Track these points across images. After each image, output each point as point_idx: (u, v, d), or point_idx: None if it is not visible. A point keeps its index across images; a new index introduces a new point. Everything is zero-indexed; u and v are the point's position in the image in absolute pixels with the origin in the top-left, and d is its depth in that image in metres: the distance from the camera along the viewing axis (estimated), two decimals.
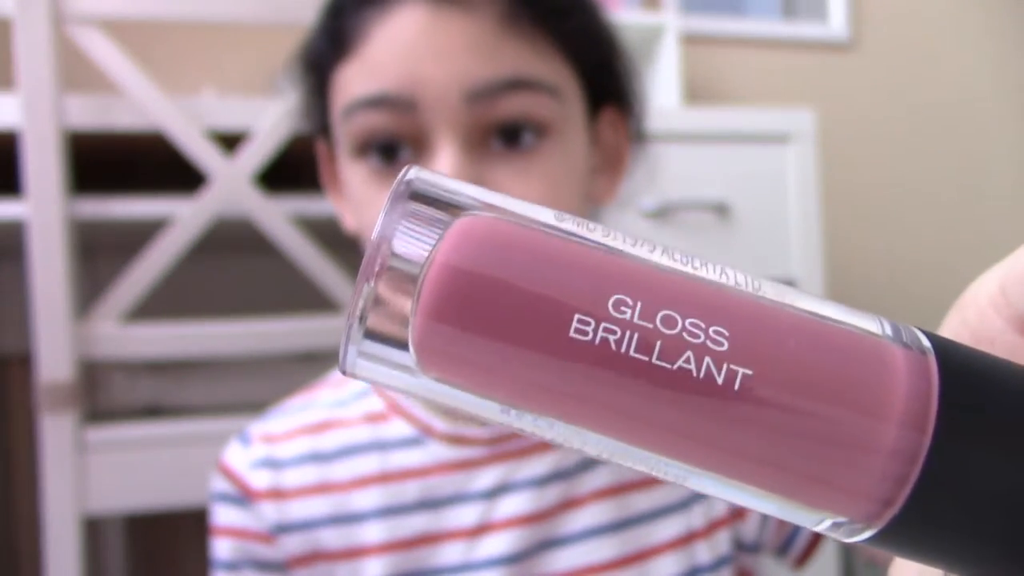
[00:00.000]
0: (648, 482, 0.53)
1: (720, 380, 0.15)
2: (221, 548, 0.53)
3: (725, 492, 0.17)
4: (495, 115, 0.47)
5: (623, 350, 0.15)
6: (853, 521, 0.16)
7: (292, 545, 0.52)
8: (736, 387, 0.15)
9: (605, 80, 0.54)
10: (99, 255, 1.05)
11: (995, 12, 1.91)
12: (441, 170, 0.46)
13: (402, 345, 0.16)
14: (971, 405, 0.16)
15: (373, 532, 0.51)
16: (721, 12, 1.74)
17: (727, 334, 0.15)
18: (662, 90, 1.48)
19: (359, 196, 0.50)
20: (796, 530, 0.55)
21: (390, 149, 0.48)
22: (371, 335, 0.16)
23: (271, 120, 0.90)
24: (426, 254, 0.16)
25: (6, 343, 1.17)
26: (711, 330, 0.15)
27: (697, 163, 1.14)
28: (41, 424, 0.84)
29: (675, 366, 0.15)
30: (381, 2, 0.48)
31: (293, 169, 0.95)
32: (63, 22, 0.85)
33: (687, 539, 0.52)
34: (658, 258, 0.17)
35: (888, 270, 1.78)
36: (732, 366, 0.15)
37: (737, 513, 0.54)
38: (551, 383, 0.16)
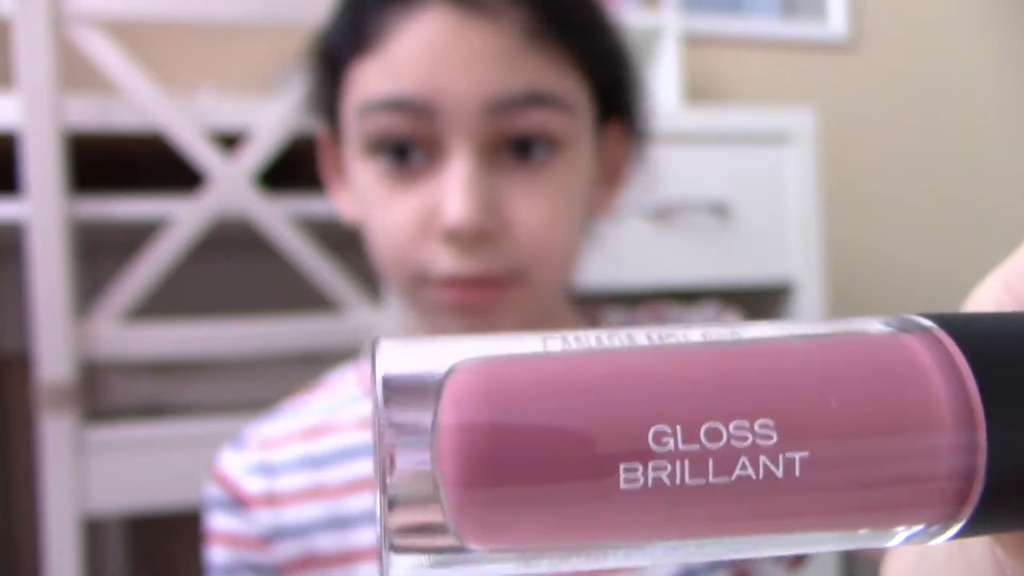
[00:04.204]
0: None
1: (780, 473, 0.15)
2: (216, 554, 0.53)
3: (800, 547, 0.16)
4: (511, 128, 0.47)
5: (678, 482, 0.14)
6: (930, 526, 0.16)
7: (287, 550, 0.51)
8: (797, 473, 0.15)
9: (616, 97, 0.54)
10: (99, 255, 1.05)
11: (995, 11, 1.91)
12: (455, 178, 0.46)
13: (442, 531, 0.15)
14: (1002, 370, 0.15)
15: (367, 536, 0.51)
16: (721, 12, 1.74)
17: (772, 424, 0.15)
18: (662, 90, 1.48)
19: (366, 195, 0.50)
20: None
21: (402, 150, 0.48)
22: (405, 534, 0.15)
23: (271, 120, 0.90)
24: (428, 433, 0.15)
25: (6, 343, 1.17)
26: (756, 426, 0.15)
27: (697, 163, 1.14)
28: (41, 424, 0.84)
29: (733, 477, 0.15)
30: (406, 2, 0.47)
31: (293, 169, 0.95)
32: (63, 22, 0.85)
33: None
34: (654, 342, 0.16)
35: (888, 270, 1.78)
36: (788, 455, 0.15)
37: None
38: (608, 522, 0.15)
